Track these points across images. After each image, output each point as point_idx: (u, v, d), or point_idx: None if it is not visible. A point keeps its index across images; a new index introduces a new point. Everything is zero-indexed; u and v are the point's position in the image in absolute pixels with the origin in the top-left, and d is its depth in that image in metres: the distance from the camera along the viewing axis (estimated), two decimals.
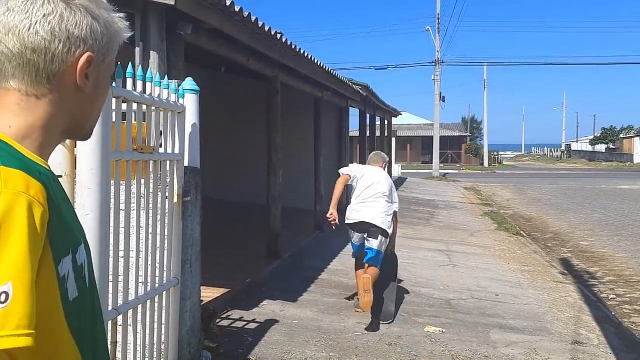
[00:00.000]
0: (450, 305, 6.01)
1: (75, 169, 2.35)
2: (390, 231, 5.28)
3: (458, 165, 44.02)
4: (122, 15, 0.98)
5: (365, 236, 5.25)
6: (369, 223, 5.20)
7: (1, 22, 0.87)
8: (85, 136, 1.01)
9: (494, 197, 19.38)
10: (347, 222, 5.46)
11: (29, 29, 0.86)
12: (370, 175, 5.42)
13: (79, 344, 0.90)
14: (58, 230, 0.84)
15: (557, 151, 73.41)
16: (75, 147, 2.32)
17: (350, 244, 5.67)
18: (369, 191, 5.31)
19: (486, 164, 44.99)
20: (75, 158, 2.34)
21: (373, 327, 5.01)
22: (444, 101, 30.69)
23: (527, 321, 5.60)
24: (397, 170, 26.89)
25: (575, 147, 70.56)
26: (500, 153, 57.67)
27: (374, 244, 5.16)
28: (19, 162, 0.82)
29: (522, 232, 11.68)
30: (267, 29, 5.33)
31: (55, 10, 0.87)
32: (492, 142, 53.47)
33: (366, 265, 5.21)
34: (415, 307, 5.86)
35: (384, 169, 5.73)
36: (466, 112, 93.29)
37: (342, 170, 5.73)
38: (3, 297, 0.72)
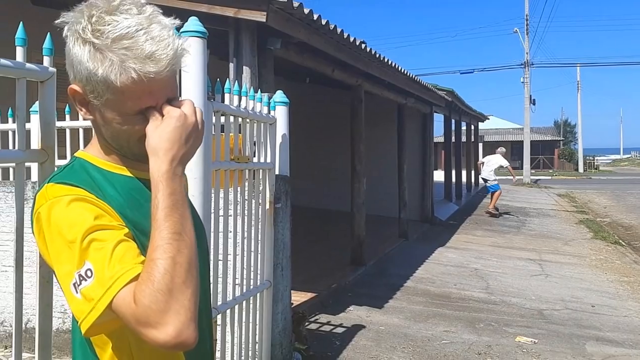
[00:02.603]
0: (542, 316, 5.81)
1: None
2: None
3: (550, 171, 42.04)
4: (155, 35, 0.95)
5: None
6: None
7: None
8: (133, 157, 1.06)
9: (589, 204, 18.36)
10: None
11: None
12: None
13: None
14: (141, 228, 1.00)
15: None
16: None
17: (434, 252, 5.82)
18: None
19: (581, 169, 42.66)
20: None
21: None
22: (534, 104, 29.51)
23: (626, 334, 5.31)
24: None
25: None
26: (596, 157, 54.42)
27: None
28: (66, 175, 1.01)
29: (620, 241, 11.02)
30: (352, 39, 5.45)
31: (71, 45, 0.98)
32: (587, 146, 50.64)
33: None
34: (506, 316, 5.72)
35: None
36: (558, 115, 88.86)
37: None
38: (89, 272, 0.88)
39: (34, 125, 1.49)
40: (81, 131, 3.91)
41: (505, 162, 14.07)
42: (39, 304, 1.50)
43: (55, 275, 0.94)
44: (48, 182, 1.00)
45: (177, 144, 0.96)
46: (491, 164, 13.97)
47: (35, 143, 1.54)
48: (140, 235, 0.98)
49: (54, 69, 1.51)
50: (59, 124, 3.11)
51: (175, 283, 0.84)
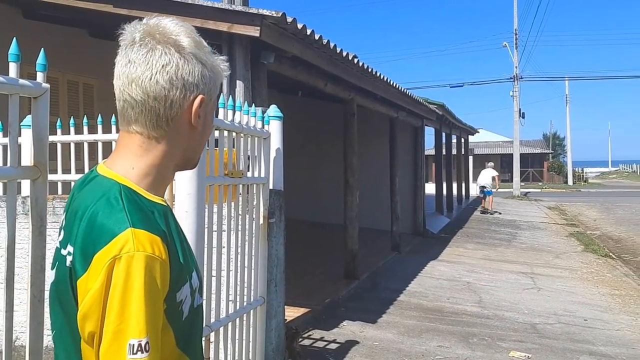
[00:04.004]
0: (535, 330, 5.80)
1: (173, 193, 2.54)
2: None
3: (540, 184, 42.29)
4: (223, 57, 1.09)
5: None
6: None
7: (124, 73, 1.00)
8: (193, 167, 1.12)
9: (579, 217, 18.47)
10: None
11: (150, 79, 0.98)
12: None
13: (189, 355, 1.01)
14: (176, 266, 0.96)
15: None
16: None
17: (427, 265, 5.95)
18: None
19: (570, 182, 42.96)
20: (173, 183, 2.52)
21: None
22: (523, 117, 29.73)
23: (619, 348, 5.31)
24: (475, 189, 26.25)
25: None
26: (585, 170, 54.82)
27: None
28: (143, 218, 0.94)
29: (611, 254, 11.07)
30: (344, 54, 5.47)
31: (171, 61, 0.98)
32: (575, 158, 51.09)
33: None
34: (499, 331, 5.70)
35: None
36: (547, 128, 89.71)
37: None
38: (147, 346, 0.87)
39: (26, 139, 1.47)
40: (73, 146, 3.87)
41: (495, 173, 18.57)
42: (30, 322, 1.47)
43: (98, 331, 0.89)
44: (131, 225, 0.91)
45: None
46: (486, 175, 18.35)
47: (27, 159, 1.51)
48: (186, 267, 1.00)
49: (48, 85, 1.49)
50: (50, 138, 3.07)
51: None
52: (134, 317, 0.87)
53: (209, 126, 1.07)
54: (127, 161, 1.01)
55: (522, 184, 31.56)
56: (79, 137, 3.85)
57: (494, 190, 18.37)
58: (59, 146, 3.84)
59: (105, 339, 0.88)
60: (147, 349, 0.87)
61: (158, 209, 0.99)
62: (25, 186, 3.35)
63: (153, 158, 1.01)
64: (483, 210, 17.90)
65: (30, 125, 1.47)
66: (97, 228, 0.91)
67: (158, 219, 0.97)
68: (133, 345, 0.86)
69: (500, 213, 17.87)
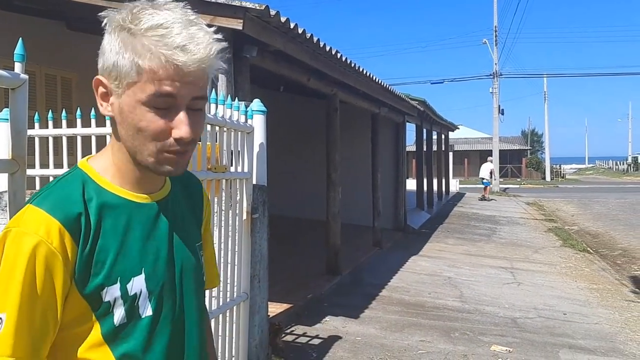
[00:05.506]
0: (516, 324, 5.86)
1: None
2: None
3: (518, 180, 42.79)
4: (178, 32, 0.92)
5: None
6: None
7: None
8: (144, 163, 0.98)
9: (557, 213, 18.73)
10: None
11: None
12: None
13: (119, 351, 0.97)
14: (99, 260, 0.94)
15: (623, 164, 70.14)
16: None
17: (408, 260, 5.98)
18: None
19: (548, 177, 43.55)
20: None
21: None
22: (502, 114, 30.05)
23: (598, 341, 5.39)
24: (454, 185, 26.47)
25: None
26: (563, 166, 55.63)
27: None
28: (55, 201, 0.93)
29: (588, 249, 11.24)
30: (327, 48, 5.44)
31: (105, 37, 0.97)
32: (553, 155, 51.70)
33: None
34: (480, 325, 5.75)
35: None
36: (526, 124, 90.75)
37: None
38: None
39: (3, 132, 1.42)
40: (51, 140, 3.78)
41: (492, 167, 22.97)
42: None
43: None
44: (33, 202, 0.94)
45: None
46: (485, 169, 22.26)
47: (5, 152, 1.47)
48: (122, 275, 0.96)
49: (26, 76, 1.44)
50: (27, 132, 3.00)
51: None
52: None
53: (132, 117, 0.93)
54: (104, 150, 1.04)
55: (501, 179, 31.93)
56: (57, 131, 3.76)
57: (492, 181, 23.21)
58: (36, 140, 3.75)
59: None
60: None
61: (108, 200, 0.97)
62: (3, 180, 3.27)
63: (109, 148, 1.03)
64: (482, 198, 21.73)
65: (7, 119, 1.42)
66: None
67: (91, 208, 0.95)
68: None
69: (495, 200, 22.17)
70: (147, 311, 0.98)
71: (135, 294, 0.97)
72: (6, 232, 0.92)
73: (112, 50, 0.94)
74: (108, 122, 3.19)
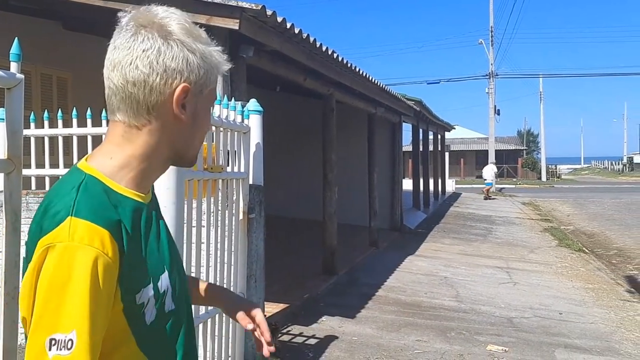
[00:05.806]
0: (512, 324, 5.87)
1: None
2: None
3: (514, 180, 42.89)
4: (219, 48, 1.03)
5: None
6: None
7: (109, 59, 0.97)
8: (190, 163, 1.07)
9: (553, 213, 18.78)
10: None
11: (130, 63, 0.94)
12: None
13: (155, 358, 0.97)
14: (133, 265, 0.92)
15: (619, 164, 70.41)
16: None
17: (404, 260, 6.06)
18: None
19: (544, 177, 43.68)
20: None
21: None
22: (498, 114, 30.14)
23: (593, 341, 5.40)
24: (450, 185, 26.51)
25: (638, 159, 67.50)
26: (558, 166, 55.76)
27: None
28: (92, 209, 0.89)
29: (584, 249, 11.28)
30: (324, 48, 5.44)
31: (153, 46, 0.94)
32: (549, 155, 51.74)
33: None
34: (476, 325, 5.76)
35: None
36: (522, 124, 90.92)
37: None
38: (70, 344, 0.82)
39: None
40: (47, 140, 3.77)
41: (495, 168, 25.81)
42: (4, 321, 1.43)
43: (29, 318, 0.87)
44: (73, 215, 0.88)
45: None
46: (488, 170, 24.77)
47: (0, 152, 1.46)
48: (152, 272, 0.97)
49: (22, 76, 1.44)
50: (24, 132, 2.99)
51: None
52: (58, 311, 0.83)
53: (201, 120, 1.02)
54: (107, 152, 0.98)
55: (497, 179, 31.98)
56: (53, 131, 3.76)
57: (493, 180, 24.87)
58: (32, 140, 3.75)
59: (30, 329, 0.85)
60: (70, 346, 0.82)
61: (127, 204, 0.95)
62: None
63: (134, 148, 0.98)
64: (486, 197, 23.17)
65: (3, 119, 1.42)
66: (46, 217, 0.90)
67: (121, 214, 0.92)
68: (53, 340, 0.82)
69: (496, 198, 23.79)
70: (171, 306, 1.01)
71: (164, 291, 0.98)
72: (47, 247, 0.86)
73: (196, 60, 0.98)
74: (104, 122, 3.19)
